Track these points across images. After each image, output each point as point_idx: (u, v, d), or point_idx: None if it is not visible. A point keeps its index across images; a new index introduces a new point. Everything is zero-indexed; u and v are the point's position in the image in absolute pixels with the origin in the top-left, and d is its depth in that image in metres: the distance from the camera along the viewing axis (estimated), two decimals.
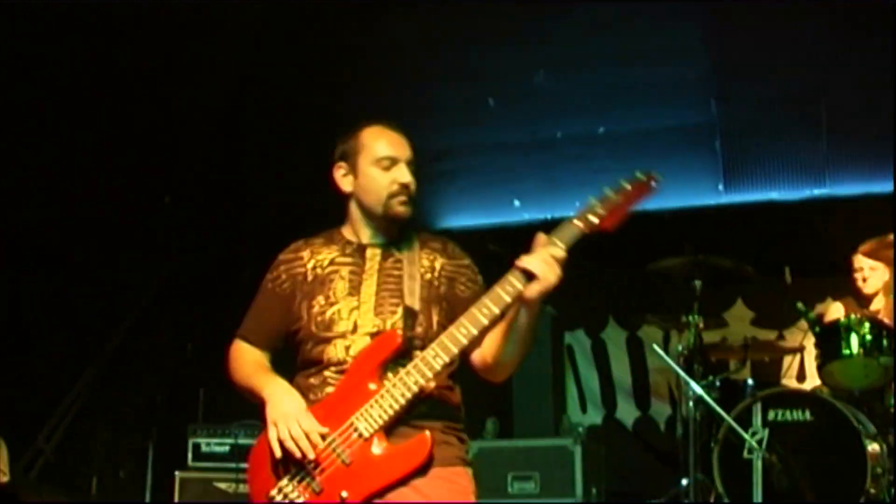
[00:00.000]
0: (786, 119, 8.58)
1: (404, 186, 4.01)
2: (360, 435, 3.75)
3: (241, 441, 7.87)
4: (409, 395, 3.74)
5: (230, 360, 4.16)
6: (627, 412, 9.44)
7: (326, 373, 3.91)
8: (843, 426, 6.80)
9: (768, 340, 8.42)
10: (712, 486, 7.06)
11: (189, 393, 9.17)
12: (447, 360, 3.74)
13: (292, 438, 3.75)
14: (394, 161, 4.02)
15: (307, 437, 3.75)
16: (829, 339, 7.23)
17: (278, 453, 3.78)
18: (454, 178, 9.30)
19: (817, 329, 7.44)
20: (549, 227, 10.18)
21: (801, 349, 7.96)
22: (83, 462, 8.76)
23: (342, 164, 4.10)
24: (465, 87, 8.44)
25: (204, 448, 8.05)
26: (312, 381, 3.93)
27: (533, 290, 3.66)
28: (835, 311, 7.94)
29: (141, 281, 9.42)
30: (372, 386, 3.78)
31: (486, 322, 3.73)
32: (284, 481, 3.82)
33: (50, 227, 8.36)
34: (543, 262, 3.66)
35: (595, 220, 3.79)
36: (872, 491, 6.66)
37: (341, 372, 3.88)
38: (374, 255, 4.06)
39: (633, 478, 8.88)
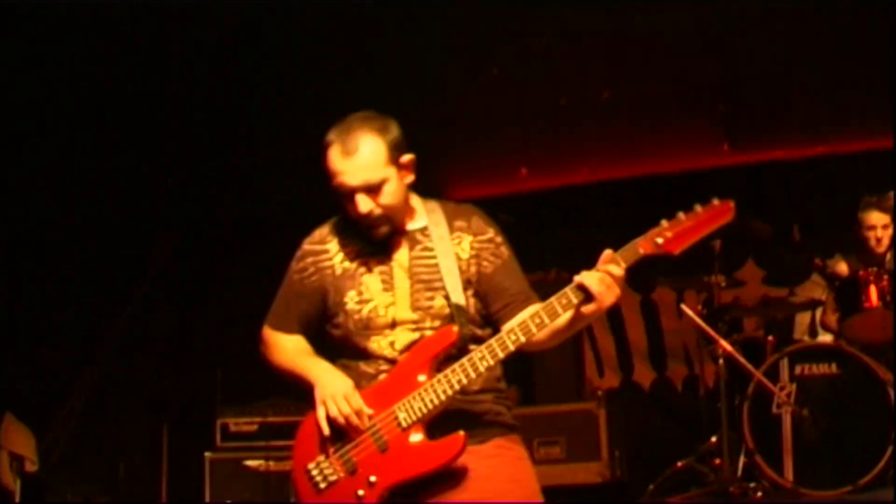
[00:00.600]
0: (789, 77, 8.58)
1: (364, 216, 3.87)
2: (399, 424, 3.78)
3: (271, 419, 7.87)
4: (450, 392, 3.75)
5: (266, 347, 4.16)
6: (644, 375, 9.48)
7: (378, 362, 3.91)
8: (869, 378, 6.88)
9: (782, 298, 8.45)
10: (742, 442, 7.12)
11: (202, 374, 9.17)
12: (492, 364, 3.74)
13: (342, 415, 3.80)
14: (347, 191, 3.86)
15: (356, 414, 3.80)
16: (849, 293, 7.29)
17: (326, 431, 3.84)
18: (461, 147, 9.29)
19: (836, 283, 7.51)
20: (557, 195, 10.19)
21: (818, 304, 7.99)
22: (99, 449, 8.77)
23: None
24: (470, 55, 8.43)
25: (232, 428, 8.06)
26: (365, 368, 3.94)
27: (589, 310, 3.71)
28: (841, 268, 7.99)
29: (145, 263, 9.41)
30: (421, 378, 3.80)
31: (536, 332, 3.74)
32: (323, 457, 3.87)
33: (52, 213, 8.33)
34: (603, 283, 3.66)
35: (660, 241, 3.76)
36: None
37: (392, 363, 3.89)
38: (400, 244, 3.98)
39: (652, 439, 8.91)
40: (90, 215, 8.63)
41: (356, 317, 3.92)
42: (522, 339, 3.72)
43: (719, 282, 7.61)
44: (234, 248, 9.82)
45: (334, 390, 3.85)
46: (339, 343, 4.02)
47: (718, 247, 7.58)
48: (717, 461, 7.37)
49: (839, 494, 6.59)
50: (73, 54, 7.69)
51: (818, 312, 8.28)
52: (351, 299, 3.93)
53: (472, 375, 3.74)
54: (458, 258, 3.96)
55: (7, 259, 8.14)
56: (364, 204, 3.83)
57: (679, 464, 7.75)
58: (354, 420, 3.79)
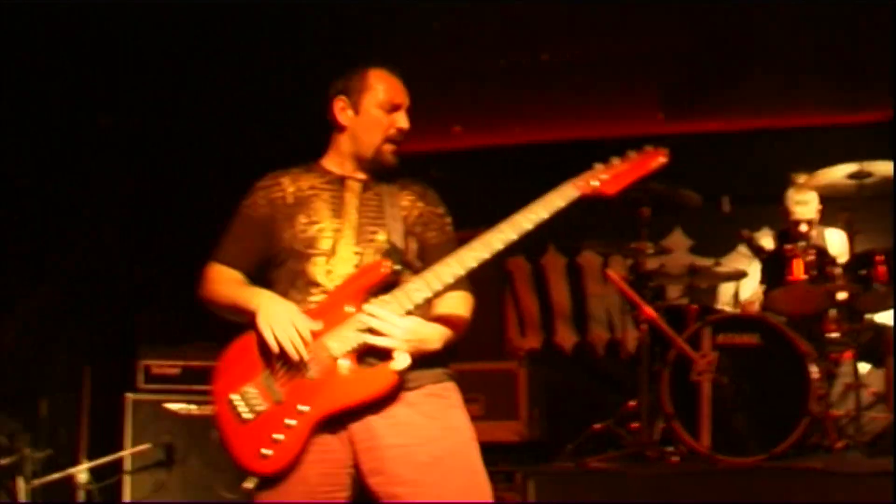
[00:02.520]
0: (723, 51, 8.64)
1: (401, 132, 4.14)
2: (330, 354, 3.80)
3: (194, 363, 7.87)
4: None
5: (207, 282, 4.14)
6: (566, 337, 9.53)
7: (310, 289, 3.94)
8: (789, 350, 6.95)
9: (707, 267, 8.52)
10: (661, 407, 7.19)
11: (126, 315, 9.12)
12: (429, 295, 3.82)
13: (287, 338, 3.78)
14: (396, 107, 4.14)
15: (301, 335, 3.79)
16: (775, 266, 7.38)
17: (275, 349, 3.80)
18: None
19: (763, 256, 7.60)
20: (489, 153, 10.21)
21: (742, 275, 8.08)
22: (20, 387, 8.70)
23: (343, 98, 4.14)
24: (408, 11, 8.38)
25: (155, 370, 8.02)
26: (294, 295, 3.95)
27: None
28: (769, 241, 8.10)
29: (77, 205, 9.33)
30: (349, 308, 3.83)
31: (475, 265, 3.81)
32: (248, 386, 3.86)
33: None
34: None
35: (596, 183, 3.93)
36: (814, 412, 6.86)
37: (323, 293, 3.91)
38: (354, 186, 4.11)
39: (571, 401, 9.01)
40: (20, 148, 8.53)
41: (301, 235, 3.99)
42: (460, 271, 3.81)
43: (646, 248, 7.65)
44: (163, 191, 9.74)
45: (279, 312, 3.84)
46: (276, 271, 4.05)
47: (647, 213, 7.65)
48: (635, 425, 7.46)
49: (754, 462, 6.69)
50: None
51: (742, 283, 8.41)
52: (300, 221, 4.03)
53: (409, 307, 3.80)
54: (409, 211, 4.10)
55: None
56: (406, 120, 4.17)
57: (597, 426, 7.84)
58: (300, 342, 3.78)
